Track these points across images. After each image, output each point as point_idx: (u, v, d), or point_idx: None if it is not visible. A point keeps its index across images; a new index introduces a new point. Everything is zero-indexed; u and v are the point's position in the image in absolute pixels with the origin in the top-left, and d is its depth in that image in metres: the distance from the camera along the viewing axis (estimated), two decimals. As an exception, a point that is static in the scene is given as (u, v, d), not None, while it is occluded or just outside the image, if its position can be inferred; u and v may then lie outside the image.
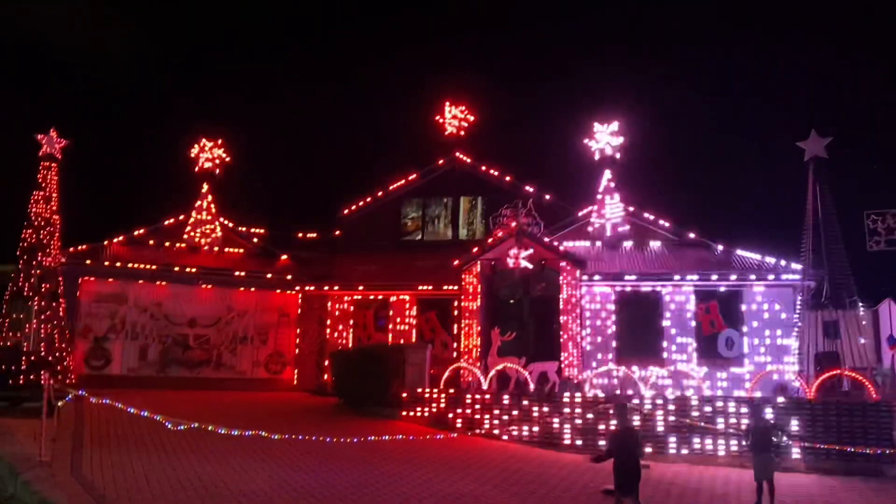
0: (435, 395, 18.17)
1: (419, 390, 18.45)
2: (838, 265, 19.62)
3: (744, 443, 13.59)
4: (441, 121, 29.47)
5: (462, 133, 29.35)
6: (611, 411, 15.28)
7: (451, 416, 17.58)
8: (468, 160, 29.06)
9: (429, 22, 64.45)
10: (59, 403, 12.79)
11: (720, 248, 24.71)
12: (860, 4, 55.61)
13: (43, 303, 20.24)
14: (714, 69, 60.75)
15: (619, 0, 63.38)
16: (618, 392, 18.80)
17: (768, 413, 12.61)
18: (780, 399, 15.84)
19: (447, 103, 29.52)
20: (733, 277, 22.71)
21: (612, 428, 10.71)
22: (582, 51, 63.44)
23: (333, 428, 16.25)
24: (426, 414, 17.89)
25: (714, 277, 22.78)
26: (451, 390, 18.32)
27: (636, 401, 16.20)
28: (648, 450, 15.44)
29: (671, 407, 15.75)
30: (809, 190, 20.37)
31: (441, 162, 29.23)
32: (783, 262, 22.56)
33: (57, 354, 19.90)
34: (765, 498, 11.19)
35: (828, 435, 14.63)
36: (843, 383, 18.49)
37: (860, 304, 19.74)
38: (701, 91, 57.64)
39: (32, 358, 18.66)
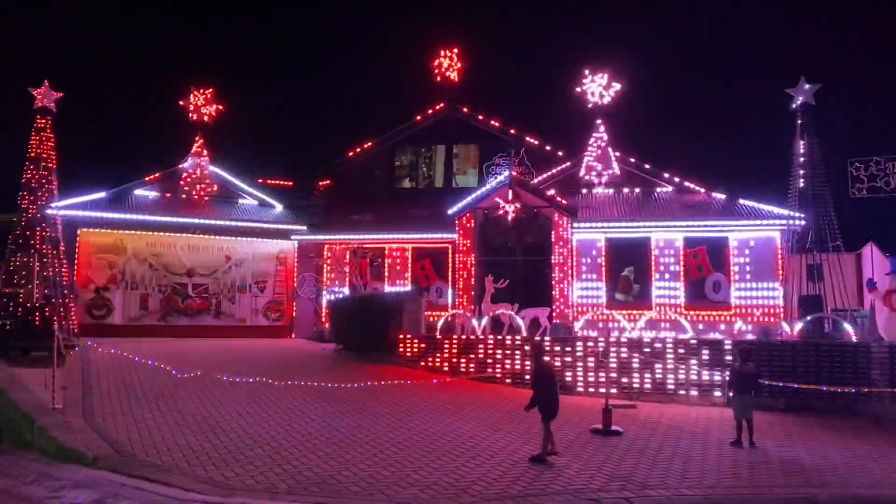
0: (431, 341, 18.72)
1: (416, 336, 19.00)
2: (823, 211, 20.13)
3: (727, 383, 14.19)
4: (434, 68, 29.30)
5: (455, 80, 29.14)
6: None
7: (445, 360, 18.15)
8: (462, 108, 29.02)
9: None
10: (70, 353, 13.19)
11: (708, 193, 25.15)
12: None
13: (45, 254, 20.62)
14: (705, 16, 60.20)
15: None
16: (604, 337, 19.35)
17: (750, 356, 13.12)
18: (763, 342, 16.42)
19: (440, 50, 29.21)
20: (720, 222, 23.21)
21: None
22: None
23: (335, 373, 16.83)
24: (423, 359, 18.47)
25: (701, 223, 23.29)
26: (446, 336, 18.87)
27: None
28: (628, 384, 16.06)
29: (657, 348, 16.31)
30: (797, 136, 20.73)
31: (434, 110, 29.16)
32: (770, 208, 23.02)
33: (61, 304, 20.35)
34: (744, 435, 11.80)
35: (808, 375, 15.25)
36: (826, 325, 19.13)
37: (843, 248, 20.26)
38: (691, 38, 57.25)
39: (38, 308, 19.09)
